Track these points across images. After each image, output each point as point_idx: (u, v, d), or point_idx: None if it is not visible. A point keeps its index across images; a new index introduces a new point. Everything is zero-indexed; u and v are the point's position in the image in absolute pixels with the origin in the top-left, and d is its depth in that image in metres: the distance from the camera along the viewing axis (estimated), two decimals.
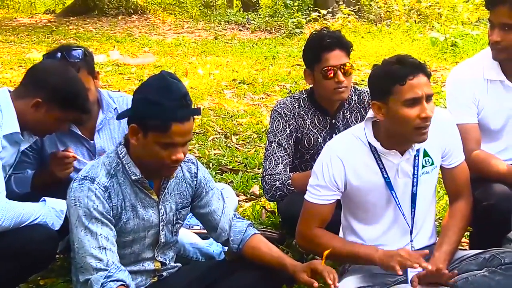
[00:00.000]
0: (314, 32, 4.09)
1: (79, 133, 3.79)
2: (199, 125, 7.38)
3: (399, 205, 3.24)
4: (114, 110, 3.85)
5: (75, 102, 3.34)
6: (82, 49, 3.70)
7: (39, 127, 3.37)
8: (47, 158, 3.69)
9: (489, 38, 3.54)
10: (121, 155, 2.97)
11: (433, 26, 14.23)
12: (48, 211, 3.28)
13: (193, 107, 2.90)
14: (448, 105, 3.72)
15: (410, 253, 3.09)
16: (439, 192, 4.79)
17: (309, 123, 4.02)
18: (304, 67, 4.04)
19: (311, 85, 4.03)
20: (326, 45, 3.86)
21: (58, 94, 3.28)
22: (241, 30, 16.72)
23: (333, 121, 4.05)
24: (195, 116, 2.95)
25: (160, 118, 2.80)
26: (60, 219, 3.30)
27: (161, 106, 2.80)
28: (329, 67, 3.83)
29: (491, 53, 3.61)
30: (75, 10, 18.83)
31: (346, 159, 3.17)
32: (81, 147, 3.81)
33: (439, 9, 15.68)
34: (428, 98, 3.00)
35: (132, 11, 18.75)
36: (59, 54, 3.62)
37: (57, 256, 3.82)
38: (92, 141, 3.82)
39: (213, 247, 3.81)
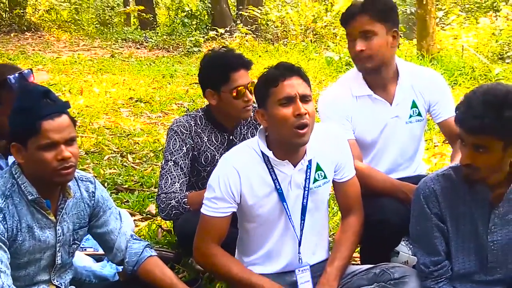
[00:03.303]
0: (212, 52, 4.09)
1: None
2: (94, 144, 7.26)
3: (289, 217, 3.26)
4: None
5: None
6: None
7: None
8: None
9: (351, 51, 3.67)
10: (16, 175, 2.91)
11: (328, 46, 14.57)
12: None
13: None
14: None
15: None
16: (333, 208, 4.86)
17: (206, 140, 4.02)
18: (201, 87, 4.02)
19: (212, 104, 3.98)
20: (233, 65, 3.88)
21: None
22: (138, 48, 16.60)
23: (231, 137, 4.07)
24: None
25: (28, 121, 2.81)
26: None
27: (25, 110, 2.82)
28: (239, 87, 3.85)
29: (355, 71, 3.77)
30: None
31: (241, 170, 3.19)
32: None
33: (334, 29, 16.09)
34: (304, 98, 3.09)
35: (25, 28, 18.31)
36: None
37: None
38: (5, 160, 3.71)
39: (106, 270, 3.74)
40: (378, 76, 3.73)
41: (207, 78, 3.98)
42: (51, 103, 2.86)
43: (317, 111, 3.52)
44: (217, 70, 3.91)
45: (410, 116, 3.81)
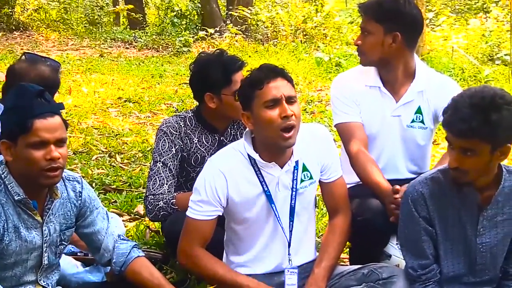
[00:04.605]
0: (205, 55, 4.04)
1: None
2: (82, 144, 7.22)
3: (278, 218, 3.26)
4: None
5: None
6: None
7: None
8: None
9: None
10: (3, 175, 2.89)
11: (318, 47, 14.60)
12: None
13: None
14: (333, 108, 3.88)
15: None
16: (322, 209, 4.85)
17: (196, 141, 4.00)
18: (197, 91, 3.98)
19: (211, 108, 3.91)
20: (234, 67, 3.86)
21: None
22: (127, 48, 16.51)
23: (221, 138, 4.05)
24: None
25: (20, 119, 2.81)
26: None
27: (19, 108, 2.83)
28: None
29: None
30: None
31: (228, 173, 3.18)
32: None
33: (324, 30, 16.12)
34: (289, 99, 3.09)
35: (13, 27, 18.19)
36: None
37: None
38: None
39: (94, 275, 3.70)
40: (387, 72, 3.77)
41: (206, 82, 3.91)
42: (45, 103, 2.86)
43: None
44: (218, 73, 3.87)
45: (413, 121, 3.78)
